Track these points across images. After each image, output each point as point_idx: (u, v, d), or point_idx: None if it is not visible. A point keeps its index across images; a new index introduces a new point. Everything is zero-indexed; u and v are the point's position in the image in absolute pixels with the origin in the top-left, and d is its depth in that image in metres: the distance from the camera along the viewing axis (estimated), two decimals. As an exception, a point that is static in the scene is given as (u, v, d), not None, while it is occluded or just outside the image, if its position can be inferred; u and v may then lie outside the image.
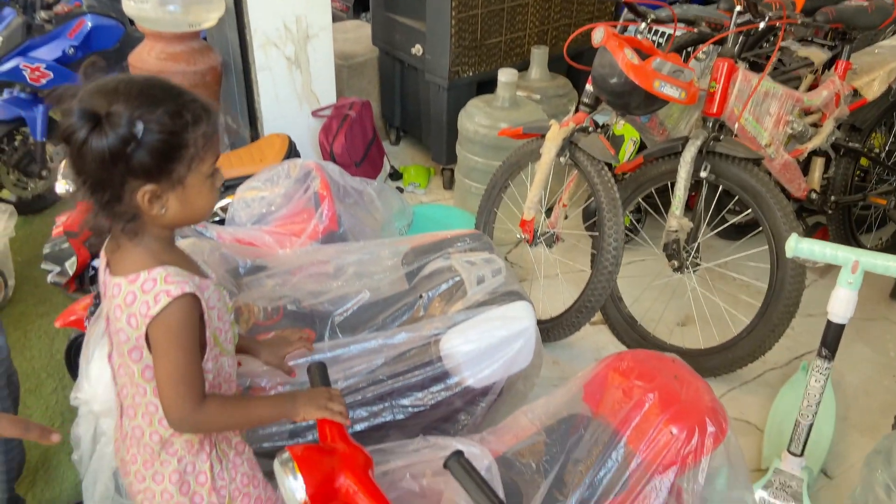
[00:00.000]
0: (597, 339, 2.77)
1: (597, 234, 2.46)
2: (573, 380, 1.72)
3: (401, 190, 3.75)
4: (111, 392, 1.59)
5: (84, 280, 2.01)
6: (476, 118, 3.20)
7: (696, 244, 2.49)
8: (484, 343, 1.81)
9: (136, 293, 1.12)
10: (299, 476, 1.12)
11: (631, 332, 2.68)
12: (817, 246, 1.78)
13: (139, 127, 1.04)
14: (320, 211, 2.30)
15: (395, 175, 3.84)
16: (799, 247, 1.78)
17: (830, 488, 2.11)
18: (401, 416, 1.79)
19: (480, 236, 2.16)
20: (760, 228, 2.35)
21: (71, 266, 1.92)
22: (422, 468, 1.58)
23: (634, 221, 3.04)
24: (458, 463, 1.13)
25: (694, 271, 2.51)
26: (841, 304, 1.76)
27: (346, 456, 1.20)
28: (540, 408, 1.69)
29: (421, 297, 1.95)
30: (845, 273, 1.75)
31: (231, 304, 1.31)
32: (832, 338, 1.81)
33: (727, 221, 2.73)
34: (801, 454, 1.95)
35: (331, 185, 2.36)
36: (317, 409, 1.27)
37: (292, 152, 2.89)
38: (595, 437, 1.58)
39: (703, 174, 2.39)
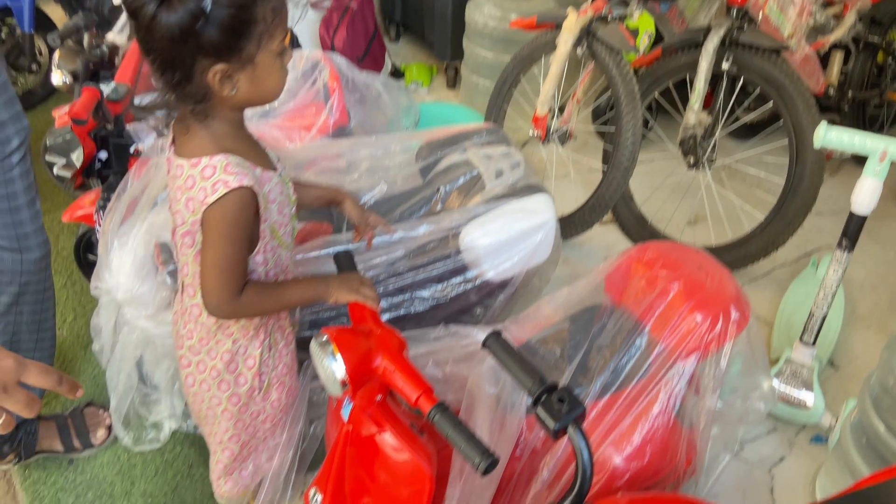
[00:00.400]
0: (606, 238, 2.76)
1: (611, 129, 2.40)
2: (595, 271, 1.72)
3: (405, 88, 3.64)
4: (133, 281, 1.58)
5: (91, 173, 1.95)
6: (485, 9, 3.06)
7: (714, 140, 2.44)
8: (504, 236, 1.80)
9: (195, 178, 1.12)
10: (339, 356, 1.12)
11: (641, 231, 2.67)
12: (846, 135, 1.74)
13: (207, 1, 1.01)
14: (330, 104, 2.22)
15: (396, 73, 3.72)
16: (828, 136, 1.74)
17: (836, 378, 2.16)
18: (420, 309, 1.80)
19: (497, 130, 2.10)
20: (774, 126, 2.30)
21: (77, 158, 1.85)
22: (444, 355, 1.59)
23: (649, 118, 2.97)
24: (497, 342, 1.12)
25: (709, 168, 2.47)
26: (866, 194, 1.74)
27: (381, 338, 1.19)
28: (562, 297, 1.69)
29: (438, 190, 1.92)
30: (872, 162, 1.72)
31: (294, 197, 1.30)
32: (854, 229, 1.80)
33: (739, 120, 2.68)
34: (813, 344, 1.98)
35: (340, 78, 2.27)
36: (349, 293, 1.27)
37: (293, 44, 2.77)
38: (618, 326, 1.59)
39: (724, 65, 2.31)
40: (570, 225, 2.54)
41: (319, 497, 1.31)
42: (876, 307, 2.45)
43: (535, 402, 1.04)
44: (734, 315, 1.54)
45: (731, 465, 1.89)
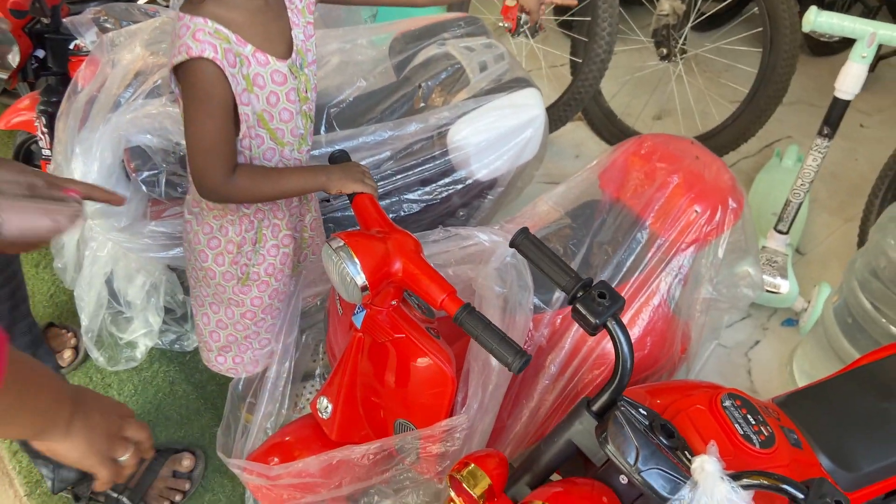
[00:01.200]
0: (575, 136, 2.72)
1: (577, 20, 2.30)
2: (589, 167, 1.68)
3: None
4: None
5: (27, 73, 1.74)
6: None
7: (685, 31, 2.39)
8: (493, 133, 1.72)
9: (174, 34, 1.06)
10: (357, 261, 1.06)
11: (610, 127, 2.64)
12: (836, 18, 1.71)
13: None
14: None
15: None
16: (818, 20, 1.71)
17: (804, 263, 2.25)
18: (411, 211, 1.73)
19: (476, 20, 1.98)
20: (747, 12, 2.25)
21: (14, 57, 1.64)
22: (446, 258, 1.55)
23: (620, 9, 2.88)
24: (527, 239, 1.08)
25: (681, 58, 2.43)
26: (852, 78, 1.75)
27: (397, 240, 1.13)
28: (559, 195, 1.65)
29: (420, 87, 1.81)
30: (860, 47, 1.72)
31: (307, 95, 1.20)
32: (836, 115, 1.82)
33: (704, 14, 2.62)
34: (787, 232, 2.04)
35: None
36: (353, 182, 1.22)
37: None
38: (618, 222, 1.57)
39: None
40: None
41: (330, 406, 1.27)
42: (836, 194, 2.53)
43: (574, 299, 1.02)
44: (731, 205, 1.55)
45: (711, 352, 1.97)
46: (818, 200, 2.49)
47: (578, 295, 1.02)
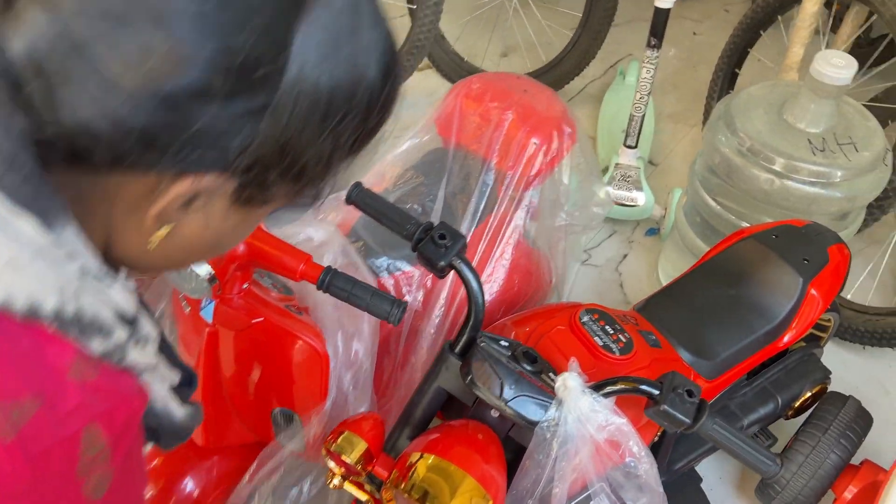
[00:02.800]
0: (427, 85, 2.69)
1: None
2: (424, 117, 1.64)
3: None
4: None
5: None
6: None
7: (513, -39, 2.38)
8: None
9: None
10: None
11: (459, 70, 2.62)
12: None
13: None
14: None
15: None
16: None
17: (657, 174, 2.34)
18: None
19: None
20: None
21: None
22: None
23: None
24: (361, 193, 1.04)
25: (514, -9, 2.43)
26: (668, -12, 1.79)
27: None
28: (401, 152, 1.60)
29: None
30: (670, -44, 1.76)
31: None
32: (660, 23, 1.87)
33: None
34: (636, 146, 2.10)
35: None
36: None
37: None
38: (466, 168, 1.54)
39: None
40: (389, 75, 2.42)
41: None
42: (679, 103, 2.64)
43: (416, 245, 0.99)
44: (566, 130, 1.57)
45: (584, 273, 2.02)
46: (664, 112, 2.59)
47: (421, 240, 1.00)
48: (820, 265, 1.28)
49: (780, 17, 2.02)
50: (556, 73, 2.48)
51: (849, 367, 1.79)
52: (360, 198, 1.04)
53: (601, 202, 1.72)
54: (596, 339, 1.11)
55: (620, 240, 2.13)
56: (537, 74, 2.51)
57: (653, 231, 2.14)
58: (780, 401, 1.41)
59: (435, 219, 1.48)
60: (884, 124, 1.95)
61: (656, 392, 0.93)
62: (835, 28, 2.18)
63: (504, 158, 1.53)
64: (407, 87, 2.58)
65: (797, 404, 1.45)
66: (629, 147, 2.10)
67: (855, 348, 1.80)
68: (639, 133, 2.08)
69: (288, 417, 1.17)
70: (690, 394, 0.91)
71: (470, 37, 2.72)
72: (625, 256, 2.08)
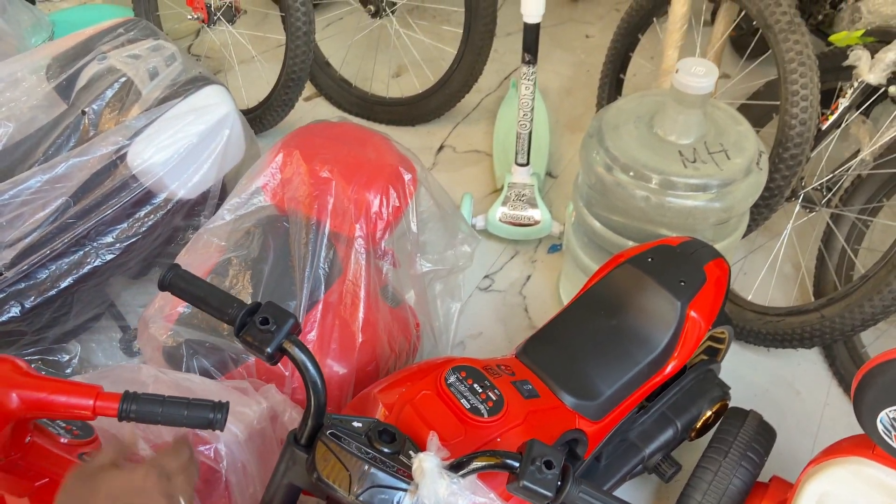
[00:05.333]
0: (316, 114, 2.58)
1: (279, -7, 2.14)
2: (245, 184, 1.47)
3: (32, 1, 2.96)
4: None
5: None
6: None
7: (387, -18, 2.30)
8: (181, 145, 1.54)
9: None
10: None
11: (348, 97, 2.53)
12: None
13: None
14: None
15: (17, -18, 3.00)
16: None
17: (557, 186, 2.29)
18: (110, 257, 1.51)
19: (138, 21, 1.76)
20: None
21: None
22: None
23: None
24: (178, 275, 0.93)
25: (392, 13, 2.35)
26: (532, 2, 1.73)
27: None
28: (222, 225, 1.44)
29: (84, 112, 1.57)
30: (531, -31, 1.70)
31: None
32: (531, 39, 1.81)
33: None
34: (528, 163, 2.04)
35: None
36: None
37: None
38: (299, 234, 1.40)
39: None
40: (270, 111, 2.31)
41: None
42: (575, 109, 2.60)
43: (240, 331, 0.89)
44: (406, 177, 1.46)
45: (487, 299, 1.95)
46: (561, 119, 2.55)
47: (245, 324, 0.89)
48: (697, 286, 1.23)
49: (656, 20, 1.99)
50: (447, 92, 2.41)
51: (756, 369, 1.76)
52: (175, 282, 0.93)
53: (467, 239, 1.62)
54: (463, 401, 1.02)
55: (523, 260, 2.06)
56: (428, 94, 2.43)
57: (555, 248, 2.08)
58: (679, 425, 1.35)
59: (272, 292, 1.35)
60: (766, 120, 1.95)
61: (516, 465, 0.85)
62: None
63: (341, 220, 1.40)
64: (295, 118, 2.47)
65: (698, 425, 1.39)
66: (520, 165, 2.04)
67: (760, 349, 1.77)
68: (528, 149, 2.02)
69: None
70: (549, 465, 0.83)
71: (357, 60, 2.63)
72: (528, 278, 2.01)
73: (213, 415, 0.87)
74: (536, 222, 2.01)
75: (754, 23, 1.63)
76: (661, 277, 1.22)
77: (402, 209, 1.38)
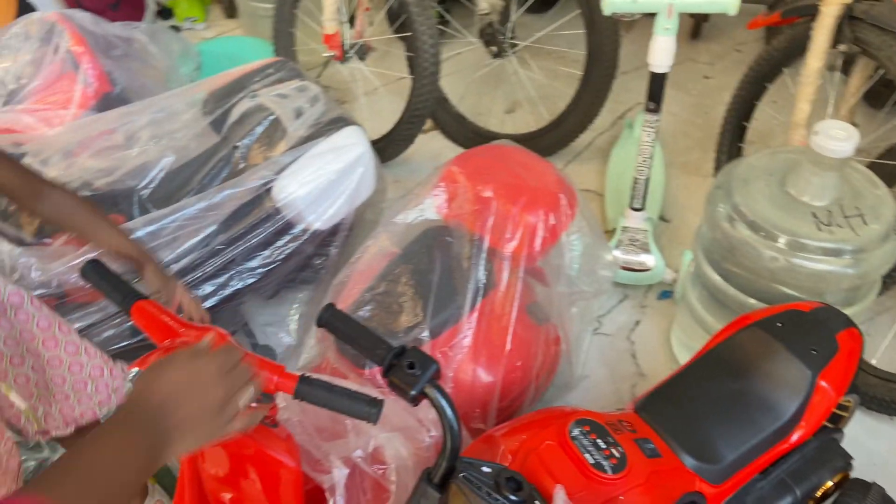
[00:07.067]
0: (431, 147, 2.67)
1: (409, 34, 2.25)
2: (416, 193, 1.64)
3: (176, 29, 3.24)
4: None
5: None
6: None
7: (511, 23, 2.37)
8: (321, 181, 1.65)
9: None
10: None
11: (464, 131, 2.61)
12: (631, -2, 1.71)
13: None
14: (82, 71, 1.89)
15: (165, 13, 3.29)
16: (614, 2, 1.71)
17: (670, 230, 2.27)
18: (252, 280, 1.64)
19: (285, 63, 1.90)
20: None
21: None
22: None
23: (443, 12, 2.84)
24: (333, 316, 1.02)
25: (513, 53, 2.41)
26: (662, 52, 1.76)
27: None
28: (395, 231, 1.60)
29: (236, 147, 1.71)
30: (661, 19, 1.72)
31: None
32: (656, 88, 1.83)
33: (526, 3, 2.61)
34: (643, 208, 2.05)
35: (86, 38, 1.93)
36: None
37: (24, 7, 2.33)
38: (460, 246, 1.53)
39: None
40: (392, 144, 2.42)
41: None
42: (690, 151, 2.58)
43: (387, 371, 0.96)
44: (563, 202, 1.54)
45: (594, 342, 1.96)
46: (676, 161, 2.53)
47: (392, 366, 0.96)
48: (829, 355, 1.20)
49: (785, 70, 1.96)
50: (561, 131, 2.45)
51: (878, 437, 1.69)
52: (330, 321, 1.02)
53: (607, 264, 1.68)
54: (587, 455, 1.05)
55: (632, 305, 2.06)
56: (543, 132, 2.48)
57: (666, 294, 2.07)
58: (798, 493, 1.31)
59: (427, 303, 1.45)
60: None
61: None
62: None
63: (499, 237, 1.50)
64: (411, 151, 2.57)
65: (818, 494, 1.35)
66: (635, 209, 2.05)
67: (882, 416, 1.70)
68: (644, 195, 2.02)
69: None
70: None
71: (474, 96, 2.71)
72: (637, 323, 2.01)
73: (369, 408, 0.94)
74: (649, 268, 2.01)
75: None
76: (791, 344, 1.20)
77: (558, 234, 1.46)
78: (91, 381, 1.36)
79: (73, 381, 1.33)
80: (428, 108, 2.30)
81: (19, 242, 1.44)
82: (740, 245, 1.43)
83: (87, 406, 1.36)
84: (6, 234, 1.44)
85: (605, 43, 2.23)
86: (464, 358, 1.46)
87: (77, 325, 1.48)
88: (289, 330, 1.82)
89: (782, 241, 1.37)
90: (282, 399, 1.21)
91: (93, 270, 1.12)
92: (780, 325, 1.25)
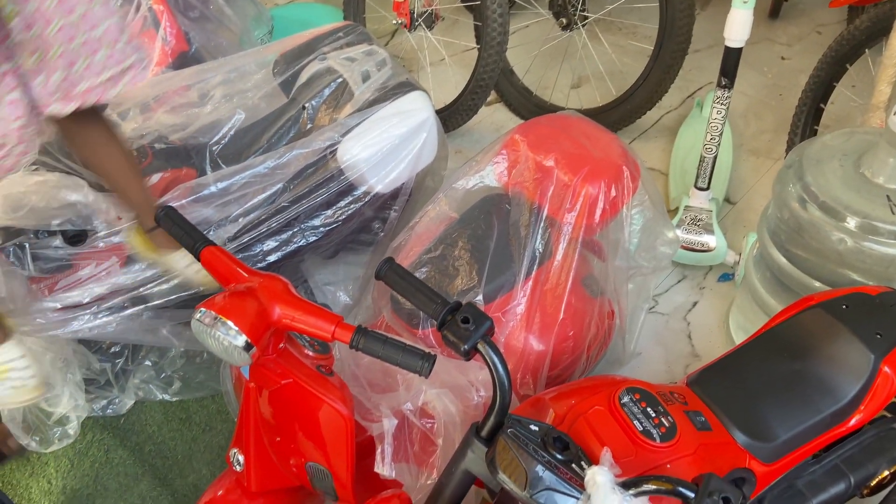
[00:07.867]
0: (494, 119, 2.67)
1: (478, 3, 2.24)
2: (477, 160, 1.65)
3: (252, -4, 3.30)
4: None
5: None
6: None
7: (582, -4, 2.33)
8: (385, 145, 1.67)
9: None
10: (231, 324, 1.01)
11: (528, 105, 2.59)
12: (711, -32, 1.66)
13: None
14: (161, 29, 1.96)
15: (240, -21, 3.35)
16: (693, -27, 1.66)
17: (735, 213, 2.22)
18: (313, 239, 1.68)
19: (355, 27, 1.92)
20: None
21: None
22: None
23: (513, -17, 2.81)
24: (391, 269, 1.04)
25: (583, 26, 2.38)
26: (739, 25, 1.71)
27: (266, 287, 1.08)
28: (454, 196, 1.62)
29: (304, 108, 1.75)
30: (740, -7, 1.67)
31: None
32: (731, 64, 1.78)
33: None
34: (708, 188, 2.00)
35: (166, -3, 2.00)
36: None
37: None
38: (518, 214, 1.54)
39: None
40: (456, 114, 2.42)
41: (241, 457, 1.24)
42: (762, 134, 2.50)
43: (441, 326, 0.98)
44: (626, 175, 1.53)
45: (649, 321, 1.94)
46: (745, 144, 2.46)
47: (446, 321, 0.98)
48: (895, 340, 1.16)
49: (867, 51, 1.87)
50: (628, 107, 2.41)
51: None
52: (389, 274, 1.04)
53: (668, 242, 1.66)
54: (636, 422, 1.05)
55: (690, 285, 2.03)
56: (608, 108, 2.44)
57: (727, 277, 2.03)
58: (852, 480, 1.29)
59: (483, 267, 1.47)
60: None
61: (691, 495, 0.87)
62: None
63: (558, 207, 1.50)
64: (474, 123, 2.57)
65: (873, 483, 1.32)
66: (700, 189, 2.01)
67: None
68: (710, 175, 1.98)
69: (320, 472, 1.18)
70: (727, 501, 0.85)
71: (539, 69, 2.69)
72: (694, 304, 1.98)
73: (422, 361, 0.97)
74: (711, 249, 1.97)
75: None
76: (855, 327, 1.17)
77: (619, 206, 1.45)
78: (105, 48, 1.16)
79: (82, 41, 1.13)
80: (493, 79, 2.29)
81: (100, 188, 1.52)
82: (809, 226, 1.39)
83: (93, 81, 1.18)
84: (87, 180, 1.52)
85: (680, 17, 2.17)
86: (516, 325, 1.47)
87: (144, 275, 1.55)
88: (347, 289, 1.86)
89: (853, 223, 1.32)
90: (337, 350, 1.25)
91: (167, 217, 1.18)
92: (844, 307, 1.21)
